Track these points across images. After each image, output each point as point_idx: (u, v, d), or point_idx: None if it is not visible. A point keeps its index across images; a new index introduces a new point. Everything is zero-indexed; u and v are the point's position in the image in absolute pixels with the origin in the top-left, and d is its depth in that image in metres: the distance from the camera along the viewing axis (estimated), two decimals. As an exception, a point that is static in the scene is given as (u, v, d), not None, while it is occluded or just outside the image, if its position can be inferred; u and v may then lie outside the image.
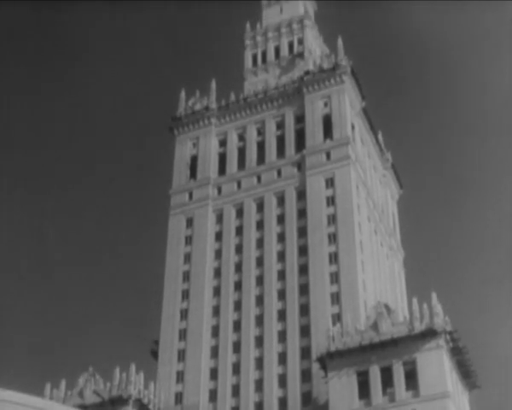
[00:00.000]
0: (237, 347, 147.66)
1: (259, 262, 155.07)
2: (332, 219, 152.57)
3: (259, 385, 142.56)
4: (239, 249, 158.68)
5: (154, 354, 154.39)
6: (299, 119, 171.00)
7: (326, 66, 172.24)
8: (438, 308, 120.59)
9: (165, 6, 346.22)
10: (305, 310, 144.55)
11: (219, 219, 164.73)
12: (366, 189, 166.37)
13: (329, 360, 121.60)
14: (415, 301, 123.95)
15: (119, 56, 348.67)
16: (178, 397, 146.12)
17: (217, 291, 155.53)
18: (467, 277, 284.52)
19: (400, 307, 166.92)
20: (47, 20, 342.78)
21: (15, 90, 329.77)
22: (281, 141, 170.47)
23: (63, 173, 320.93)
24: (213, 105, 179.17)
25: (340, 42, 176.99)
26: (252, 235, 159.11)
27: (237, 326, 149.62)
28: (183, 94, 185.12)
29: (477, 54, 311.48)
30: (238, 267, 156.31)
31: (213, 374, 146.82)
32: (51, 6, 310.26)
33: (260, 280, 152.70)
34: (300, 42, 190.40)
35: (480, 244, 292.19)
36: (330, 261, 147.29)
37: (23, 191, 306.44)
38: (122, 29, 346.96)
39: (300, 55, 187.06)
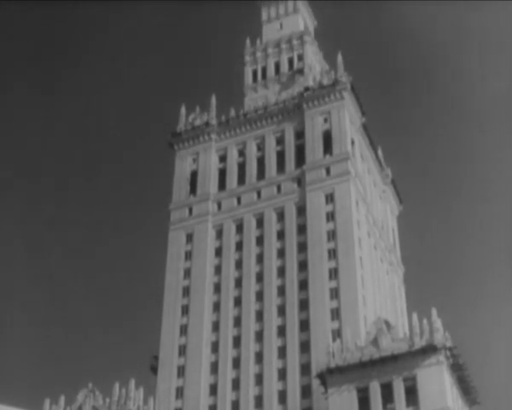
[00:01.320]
0: (237, 362, 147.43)
1: (259, 278, 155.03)
2: (332, 235, 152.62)
3: (259, 401, 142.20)
4: (239, 265, 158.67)
5: (154, 370, 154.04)
6: (299, 134, 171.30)
7: (326, 82, 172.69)
8: (438, 324, 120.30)
9: (165, 22, 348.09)
10: (304, 326, 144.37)
11: (219, 234, 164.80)
12: (366, 204, 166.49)
13: (329, 376, 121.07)
14: (415, 316, 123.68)
15: (120, 72, 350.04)
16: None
17: (216, 307, 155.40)
18: (467, 292, 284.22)
19: (400, 322, 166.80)
20: (45, 33, 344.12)
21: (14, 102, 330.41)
22: (281, 156, 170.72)
23: (63, 187, 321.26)
24: (213, 121, 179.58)
25: (339, 58, 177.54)
26: (252, 250, 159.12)
27: (237, 342, 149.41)
28: (183, 109, 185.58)
29: (479, 67, 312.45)
30: (238, 283, 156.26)
31: (213, 390, 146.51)
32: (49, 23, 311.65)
33: (260, 296, 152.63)
34: (300, 58, 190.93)
35: (481, 260, 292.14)
36: (330, 277, 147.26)
37: (22, 205, 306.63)
38: (123, 45, 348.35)
39: (300, 71, 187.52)
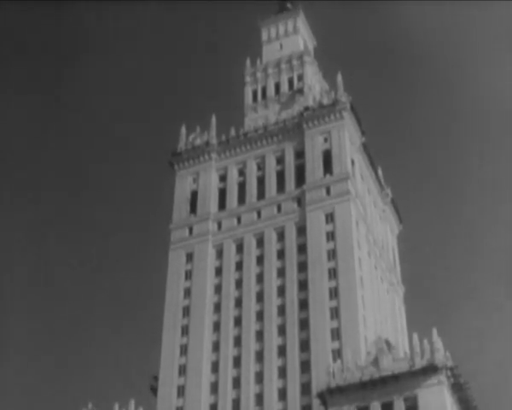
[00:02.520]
0: (237, 383, 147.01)
1: (259, 297, 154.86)
2: (332, 255, 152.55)
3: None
4: (239, 284, 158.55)
5: (154, 390, 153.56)
6: (299, 154, 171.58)
7: (326, 102, 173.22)
8: (438, 344, 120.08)
9: (166, 42, 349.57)
10: (305, 345, 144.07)
11: (219, 254, 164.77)
12: (366, 224, 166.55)
13: (330, 396, 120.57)
14: (415, 336, 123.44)
15: (121, 91, 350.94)
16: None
17: (217, 326, 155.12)
18: (467, 312, 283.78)
19: (401, 342, 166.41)
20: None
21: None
22: (281, 176, 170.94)
23: (62, 208, 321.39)
24: (214, 140, 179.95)
25: (339, 78, 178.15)
26: (252, 270, 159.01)
27: (237, 362, 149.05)
28: (183, 129, 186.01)
29: (482, 86, 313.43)
30: (238, 302, 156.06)
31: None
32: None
33: (260, 315, 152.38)
34: (300, 78, 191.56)
35: (481, 279, 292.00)
36: (330, 297, 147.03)
37: (22, 230, 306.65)
38: (123, 64, 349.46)
39: (300, 91, 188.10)
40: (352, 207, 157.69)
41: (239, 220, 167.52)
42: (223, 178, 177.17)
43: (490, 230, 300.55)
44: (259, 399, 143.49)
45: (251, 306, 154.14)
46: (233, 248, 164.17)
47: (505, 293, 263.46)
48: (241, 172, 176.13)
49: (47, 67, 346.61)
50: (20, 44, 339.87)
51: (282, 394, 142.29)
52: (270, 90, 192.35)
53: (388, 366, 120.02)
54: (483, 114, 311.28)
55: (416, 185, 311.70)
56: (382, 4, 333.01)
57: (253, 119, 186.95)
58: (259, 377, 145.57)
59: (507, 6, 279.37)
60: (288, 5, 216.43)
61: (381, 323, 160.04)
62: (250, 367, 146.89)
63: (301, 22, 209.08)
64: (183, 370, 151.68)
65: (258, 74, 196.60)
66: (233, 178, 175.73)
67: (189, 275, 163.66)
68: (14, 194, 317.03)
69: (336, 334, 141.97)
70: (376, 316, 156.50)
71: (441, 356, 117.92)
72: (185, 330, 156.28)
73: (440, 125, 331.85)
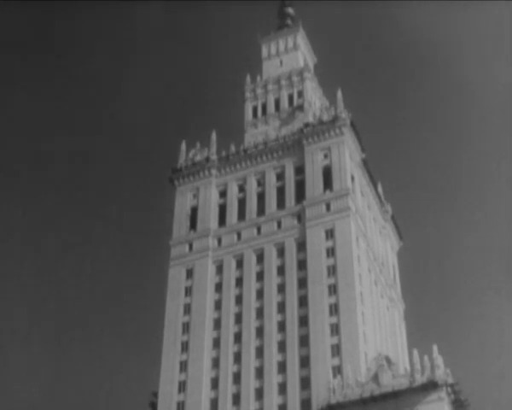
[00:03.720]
0: (237, 399, 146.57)
1: (259, 313, 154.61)
2: (332, 271, 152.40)
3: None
4: (239, 300, 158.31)
5: (153, 406, 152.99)
6: (299, 170, 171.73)
7: (326, 118, 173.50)
8: (439, 360, 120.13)
9: (165, 58, 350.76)
10: (305, 362, 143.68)
11: (219, 269, 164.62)
12: (366, 240, 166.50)
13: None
14: (415, 353, 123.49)
15: (121, 107, 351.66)
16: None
17: (216, 343, 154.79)
18: (468, 328, 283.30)
19: (401, 359, 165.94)
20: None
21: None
22: (281, 192, 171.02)
23: (62, 222, 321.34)
24: (214, 156, 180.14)
25: (339, 94, 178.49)
26: (252, 286, 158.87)
27: (237, 378, 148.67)
28: (183, 145, 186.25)
29: (481, 97, 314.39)
30: (238, 318, 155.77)
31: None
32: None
33: (260, 331, 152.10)
34: (300, 94, 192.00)
35: (481, 295, 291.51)
36: (331, 313, 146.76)
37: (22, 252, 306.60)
38: (124, 79, 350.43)
39: (300, 107, 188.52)
40: (352, 224, 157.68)
41: (239, 236, 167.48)
42: (223, 194, 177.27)
43: (490, 246, 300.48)
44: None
45: (251, 322, 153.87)
46: (233, 264, 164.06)
47: (507, 309, 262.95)
48: (241, 188, 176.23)
49: (48, 78, 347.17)
50: (18, 47, 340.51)
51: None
52: (271, 107, 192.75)
53: (388, 383, 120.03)
54: (485, 128, 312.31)
55: (416, 202, 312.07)
56: (383, 21, 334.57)
57: (253, 135, 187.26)
58: (259, 394, 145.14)
59: (507, 6, 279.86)
60: (288, 22, 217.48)
61: (382, 339, 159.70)
62: (250, 383, 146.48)
63: (301, 39, 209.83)
64: (182, 386, 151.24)
65: (259, 90, 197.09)
66: (233, 194, 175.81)
67: (188, 291, 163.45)
68: (16, 207, 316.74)
69: (336, 350, 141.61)
70: (376, 332, 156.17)
71: (441, 373, 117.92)
72: (185, 347, 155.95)
73: (441, 141, 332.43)
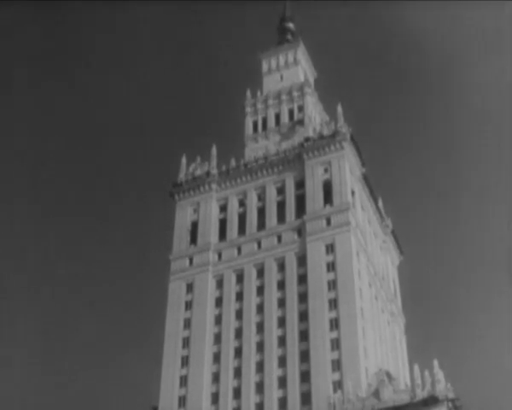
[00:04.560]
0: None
1: (260, 328, 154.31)
2: (332, 285, 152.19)
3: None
4: (239, 315, 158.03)
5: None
6: (300, 184, 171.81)
7: (326, 132, 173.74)
8: (440, 375, 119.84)
9: (166, 72, 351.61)
10: (305, 377, 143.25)
11: (219, 284, 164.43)
12: (366, 255, 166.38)
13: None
14: (416, 367, 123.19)
15: (122, 122, 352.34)
16: None
17: (217, 357, 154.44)
18: (469, 342, 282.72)
19: (402, 374, 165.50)
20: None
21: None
22: (281, 206, 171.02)
23: (62, 239, 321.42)
24: (214, 171, 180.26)
25: (339, 109, 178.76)
26: (252, 300, 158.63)
27: (237, 393, 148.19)
28: (183, 160, 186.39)
29: (482, 111, 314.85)
30: (238, 333, 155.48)
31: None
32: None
33: (261, 346, 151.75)
34: (300, 109, 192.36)
35: (482, 309, 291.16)
36: (331, 327, 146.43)
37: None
38: (124, 94, 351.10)
39: (300, 121, 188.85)
40: (352, 238, 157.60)
41: (239, 251, 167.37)
42: (223, 209, 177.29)
43: (491, 259, 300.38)
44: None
45: (251, 337, 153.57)
46: (233, 278, 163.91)
47: (508, 323, 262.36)
48: (242, 203, 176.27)
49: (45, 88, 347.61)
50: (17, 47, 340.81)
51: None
52: (271, 121, 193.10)
53: (389, 398, 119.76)
54: (486, 140, 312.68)
55: (416, 216, 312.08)
56: (383, 36, 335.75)
57: (254, 149, 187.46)
58: (260, 409, 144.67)
59: (507, 6, 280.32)
60: (289, 37, 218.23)
61: (382, 354, 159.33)
62: (250, 399, 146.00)
63: (301, 54, 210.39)
64: (182, 401, 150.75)
65: (259, 105, 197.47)
66: (233, 208, 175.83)
67: (189, 305, 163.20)
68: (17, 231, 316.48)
69: (337, 365, 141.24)
70: (377, 347, 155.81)
71: (442, 388, 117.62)
72: (185, 361, 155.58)
73: (441, 156, 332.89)
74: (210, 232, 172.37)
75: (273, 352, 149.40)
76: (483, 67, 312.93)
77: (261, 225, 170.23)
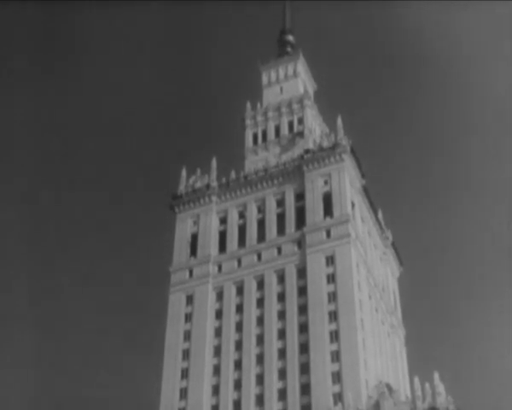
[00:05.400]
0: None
1: (260, 340, 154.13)
2: (332, 297, 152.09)
3: None
4: (239, 327, 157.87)
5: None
6: (300, 197, 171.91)
7: (326, 144, 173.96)
8: (440, 388, 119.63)
9: (166, 85, 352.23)
10: (305, 389, 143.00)
11: (219, 296, 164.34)
12: (366, 266, 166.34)
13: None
14: (417, 380, 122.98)
15: (121, 133, 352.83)
16: None
17: (217, 370, 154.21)
18: (469, 354, 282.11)
19: (402, 386, 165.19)
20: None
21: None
22: (281, 219, 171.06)
23: (62, 252, 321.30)
24: (214, 183, 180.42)
25: (339, 121, 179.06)
26: (252, 312, 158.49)
27: (237, 406, 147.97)
28: (183, 172, 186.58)
29: (482, 124, 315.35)
30: (238, 345, 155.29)
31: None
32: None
33: (261, 358, 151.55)
34: (300, 121, 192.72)
35: (483, 322, 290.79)
36: (331, 340, 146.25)
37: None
38: (124, 108, 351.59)
39: (300, 134, 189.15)
40: (352, 250, 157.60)
41: (239, 263, 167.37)
42: (223, 221, 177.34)
43: (492, 274, 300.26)
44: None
45: (251, 349, 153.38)
46: (233, 290, 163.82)
47: (508, 334, 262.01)
48: (242, 215, 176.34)
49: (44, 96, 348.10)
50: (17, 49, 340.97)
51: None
52: (271, 133, 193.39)
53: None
54: (487, 153, 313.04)
55: (416, 228, 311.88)
56: (382, 48, 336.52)
57: (254, 161, 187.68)
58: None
59: (507, 6, 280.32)
60: (289, 49, 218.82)
61: (382, 366, 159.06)
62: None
63: (301, 66, 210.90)
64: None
65: (259, 117, 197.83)
66: (233, 220, 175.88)
67: (189, 318, 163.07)
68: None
69: (337, 377, 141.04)
70: (377, 359, 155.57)
71: (443, 400, 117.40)
72: (185, 374, 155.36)
73: (441, 169, 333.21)
74: (210, 244, 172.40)
75: (273, 364, 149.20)
76: (483, 69, 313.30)
77: (261, 237, 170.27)
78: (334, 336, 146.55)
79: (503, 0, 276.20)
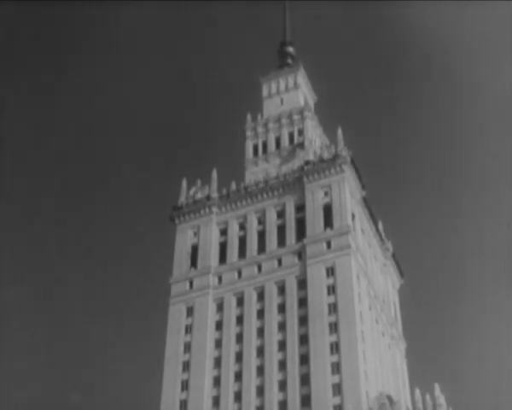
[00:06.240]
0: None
1: (260, 352, 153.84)
2: (333, 309, 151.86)
3: None
4: (239, 339, 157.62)
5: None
6: (300, 208, 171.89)
7: (326, 156, 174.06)
8: (441, 399, 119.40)
9: (167, 96, 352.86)
10: (306, 401, 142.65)
11: (220, 307, 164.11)
12: (367, 278, 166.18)
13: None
14: (417, 391, 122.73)
15: (121, 145, 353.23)
16: None
17: (217, 381, 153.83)
18: (470, 366, 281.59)
19: (403, 397, 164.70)
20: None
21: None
22: (281, 230, 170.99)
23: (62, 265, 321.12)
24: (214, 194, 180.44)
25: (339, 132, 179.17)
26: (252, 324, 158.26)
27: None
28: (184, 183, 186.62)
29: (482, 135, 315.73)
30: (239, 357, 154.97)
31: None
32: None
33: (261, 370, 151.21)
34: (301, 132, 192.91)
35: (483, 333, 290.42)
36: (331, 351, 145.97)
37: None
38: (123, 118, 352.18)
39: (301, 145, 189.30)
40: (352, 261, 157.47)
41: (239, 274, 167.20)
42: (223, 232, 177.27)
43: (493, 284, 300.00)
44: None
45: (251, 361, 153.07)
46: (233, 301, 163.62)
47: (508, 346, 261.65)
48: (242, 226, 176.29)
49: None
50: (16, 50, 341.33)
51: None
52: (271, 145, 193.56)
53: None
54: (488, 161, 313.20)
55: (416, 240, 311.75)
56: (383, 60, 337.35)
57: (254, 173, 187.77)
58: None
59: (508, 6, 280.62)
60: (289, 61, 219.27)
61: (383, 378, 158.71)
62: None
63: (302, 78, 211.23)
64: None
65: (259, 129, 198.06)
66: (233, 231, 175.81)
67: (189, 329, 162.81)
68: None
69: (337, 389, 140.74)
70: (378, 371, 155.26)
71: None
72: (185, 385, 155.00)
73: (441, 180, 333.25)
74: (210, 256, 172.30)
75: (273, 375, 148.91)
76: (485, 71, 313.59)
77: (261, 248, 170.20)
78: (335, 347, 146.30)
79: (505, 0, 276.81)
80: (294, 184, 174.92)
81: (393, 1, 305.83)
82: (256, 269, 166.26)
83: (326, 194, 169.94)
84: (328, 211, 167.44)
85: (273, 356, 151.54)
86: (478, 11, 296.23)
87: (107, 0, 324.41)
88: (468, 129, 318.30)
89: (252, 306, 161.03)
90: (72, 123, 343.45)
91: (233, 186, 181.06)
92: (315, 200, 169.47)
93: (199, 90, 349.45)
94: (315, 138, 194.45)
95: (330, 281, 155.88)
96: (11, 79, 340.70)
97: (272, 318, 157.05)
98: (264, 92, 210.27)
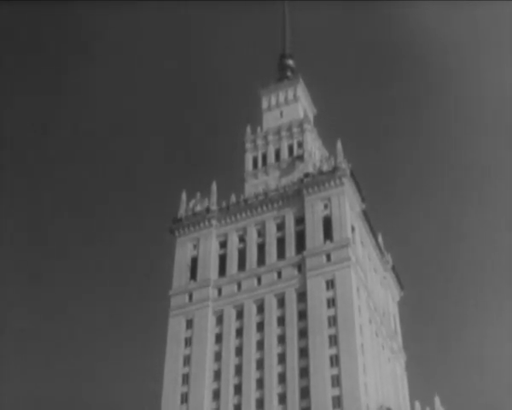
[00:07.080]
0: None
1: (260, 365, 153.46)
2: (333, 321, 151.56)
3: None
4: (239, 352, 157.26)
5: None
6: (300, 220, 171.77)
7: (325, 168, 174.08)
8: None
9: (167, 109, 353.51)
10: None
11: (219, 320, 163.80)
12: (367, 291, 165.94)
13: None
14: (417, 404, 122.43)
15: (121, 157, 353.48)
16: None
17: (216, 394, 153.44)
18: (470, 378, 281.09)
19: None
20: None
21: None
22: (281, 242, 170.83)
23: (62, 273, 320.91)
24: (214, 207, 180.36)
25: (339, 145, 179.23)
26: (252, 337, 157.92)
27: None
28: (184, 196, 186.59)
29: (482, 145, 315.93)
30: (238, 370, 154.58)
31: None
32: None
33: (260, 383, 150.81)
34: (300, 145, 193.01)
35: (483, 345, 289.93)
36: (331, 364, 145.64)
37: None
38: (123, 131, 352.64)
39: (300, 157, 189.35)
40: (352, 274, 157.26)
41: (239, 286, 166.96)
42: (223, 245, 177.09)
43: (493, 296, 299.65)
44: None
45: (251, 373, 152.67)
46: (233, 314, 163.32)
47: (508, 358, 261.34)
48: (242, 239, 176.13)
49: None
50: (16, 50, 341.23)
51: None
52: (271, 157, 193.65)
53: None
54: (489, 168, 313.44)
55: (416, 252, 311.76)
56: (382, 70, 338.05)
57: (254, 185, 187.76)
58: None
59: (507, 6, 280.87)
60: (289, 73, 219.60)
61: (383, 390, 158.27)
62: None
63: (301, 90, 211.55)
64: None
65: (259, 141, 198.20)
66: (233, 244, 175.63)
67: (188, 342, 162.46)
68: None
69: (337, 402, 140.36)
70: (378, 384, 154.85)
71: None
72: (185, 398, 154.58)
73: (442, 192, 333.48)
74: (210, 268, 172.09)
75: (273, 389, 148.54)
76: (485, 72, 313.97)
77: (261, 260, 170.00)
78: (335, 360, 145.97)
79: (505, 0, 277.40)
80: (294, 196, 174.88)
81: (393, 1, 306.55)
82: (256, 281, 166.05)
83: (326, 206, 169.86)
84: (327, 223, 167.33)
85: (273, 369, 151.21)
86: (477, 11, 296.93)
87: (107, 0, 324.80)
88: (469, 131, 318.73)
89: (251, 318, 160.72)
90: (71, 125, 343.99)
91: (233, 199, 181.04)
92: (314, 212, 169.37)
93: (199, 103, 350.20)
94: (314, 151, 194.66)
95: (330, 294, 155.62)
96: (11, 79, 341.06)
97: (272, 330, 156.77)
98: (264, 105, 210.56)
